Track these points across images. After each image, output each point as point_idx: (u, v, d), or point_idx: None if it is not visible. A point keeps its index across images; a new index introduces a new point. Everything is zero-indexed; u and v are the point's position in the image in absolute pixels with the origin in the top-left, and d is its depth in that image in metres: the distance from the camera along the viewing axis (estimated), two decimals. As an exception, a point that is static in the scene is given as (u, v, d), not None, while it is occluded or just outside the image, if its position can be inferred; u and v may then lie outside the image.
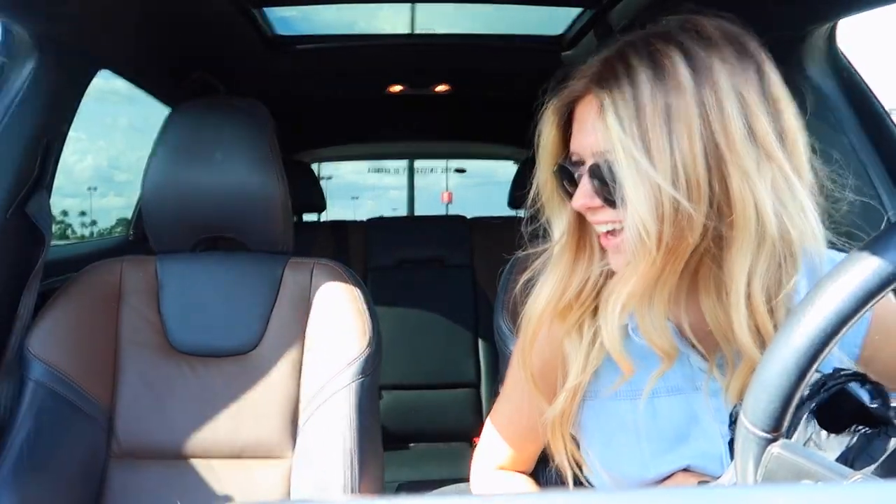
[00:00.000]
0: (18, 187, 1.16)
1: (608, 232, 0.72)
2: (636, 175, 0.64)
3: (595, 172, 0.69)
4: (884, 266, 0.46)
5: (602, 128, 0.67)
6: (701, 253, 0.68)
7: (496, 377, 2.22)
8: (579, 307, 0.77)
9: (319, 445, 1.08)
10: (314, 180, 2.64)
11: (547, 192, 0.77)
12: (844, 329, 0.47)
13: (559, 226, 0.78)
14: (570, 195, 0.74)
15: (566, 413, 0.79)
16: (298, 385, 1.16)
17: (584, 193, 0.70)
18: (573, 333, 0.78)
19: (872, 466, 0.52)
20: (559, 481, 0.87)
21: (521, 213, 2.97)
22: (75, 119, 1.31)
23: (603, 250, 0.76)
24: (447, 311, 2.31)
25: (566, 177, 0.74)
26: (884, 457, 0.52)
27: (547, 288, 0.78)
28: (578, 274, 0.77)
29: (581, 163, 0.72)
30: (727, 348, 0.71)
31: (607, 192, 0.68)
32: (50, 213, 1.21)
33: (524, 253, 0.89)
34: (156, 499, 1.12)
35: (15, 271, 1.17)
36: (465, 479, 1.00)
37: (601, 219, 0.71)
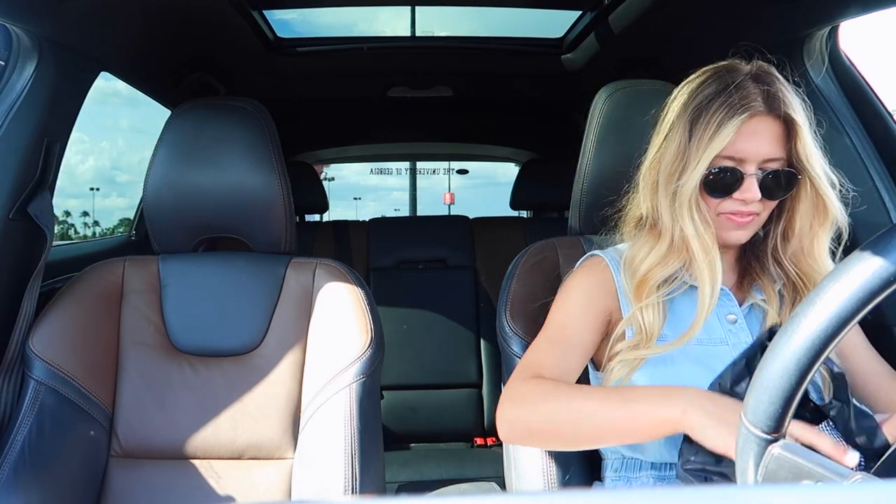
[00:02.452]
0: (21, 188, 1.16)
1: (744, 217, 0.92)
2: (824, 177, 0.91)
3: (769, 174, 0.91)
4: (885, 267, 0.46)
5: (786, 142, 0.90)
6: None
7: (498, 377, 2.22)
8: (658, 284, 0.95)
9: (320, 446, 1.08)
10: (317, 181, 2.64)
11: (691, 188, 0.92)
12: (845, 330, 0.47)
13: (690, 212, 0.93)
14: (717, 190, 0.92)
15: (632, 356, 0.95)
16: (300, 385, 1.16)
17: (754, 188, 0.90)
18: (650, 298, 0.95)
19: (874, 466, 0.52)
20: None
21: (524, 213, 2.98)
22: (77, 120, 1.31)
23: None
24: (449, 311, 2.31)
25: (727, 172, 0.91)
26: (885, 456, 0.52)
27: (653, 259, 0.97)
28: (677, 256, 0.96)
29: (739, 164, 0.91)
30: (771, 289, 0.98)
31: (772, 192, 0.92)
32: (52, 214, 1.22)
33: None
34: (156, 499, 1.12)
35: (17, 271, 1.17)
36: (466, 480, 1.00)
37: (751, 210, 0.92)
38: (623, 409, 0.82)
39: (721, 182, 0.91)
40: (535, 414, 0.88)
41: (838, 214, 0.93)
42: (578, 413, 0.84)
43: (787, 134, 0.91)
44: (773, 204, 0.94)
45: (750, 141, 0.89)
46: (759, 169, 0.91)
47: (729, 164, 0.91)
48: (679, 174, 0.92)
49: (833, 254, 0.96)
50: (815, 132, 0.91)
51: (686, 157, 0.91)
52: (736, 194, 0.91)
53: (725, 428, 0.73)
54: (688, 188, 0.91)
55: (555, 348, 0.96)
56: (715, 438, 0.74)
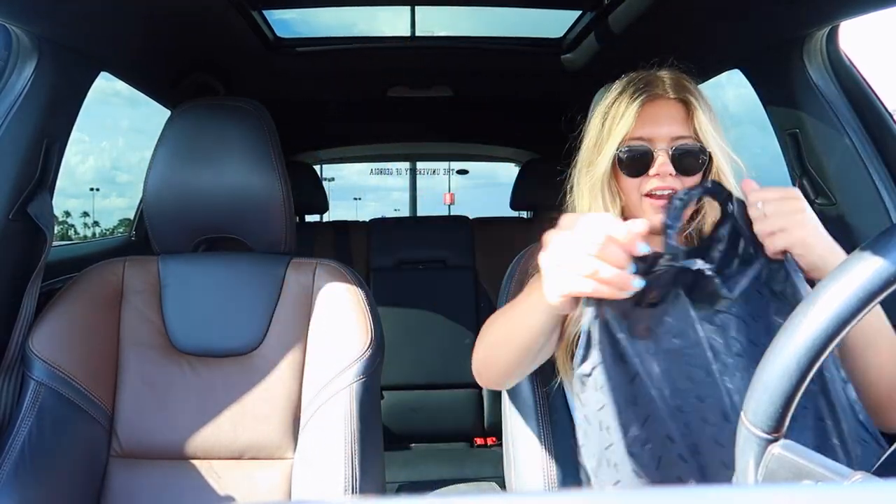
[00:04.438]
0: (20, 188, 1.16)
1: (663, 196, 0.96)
2: (721, 154, 0.95)
3: (679, 150, 0.96)
4: (885, 267, 0.46)
5: (689, 122, 0.96)
6: None
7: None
8: None
9: (320, 446, 1.08)
10: (317, 181, 2.64)
11: (602, 170, 0.98)
12: (845, 330, 0.47)
13: (603, 195, 1.00)
14: (632, 169, 0.98)
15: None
16: (300, 386, 1.16)
17: (666, 162, 0.95)
18: None
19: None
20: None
21: (524, 214, 2.97)
22: (77, 120, 1.31)
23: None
24: (449, 311, 2.31)
25: (638, 151, 0.97)
26: (885, 456, 0.52)
27: None
28: None
29: (649, 143, 0.97)
30: None
31: (684, 165, 0.96)
32: (52, 214, 1.22)
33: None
34: (156, 499, 1.12)
35: (17, 271, 1.17)
36: (466, 480, 1.00)
37: (666, 185, 0.95)
38: (522, 299, 0.92)
39: (634, 160, 0.98)
40: (482, 343, 1.01)
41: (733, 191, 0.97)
42: (501, 320, 0.96)
43: (689, 116, 0.98)
44: (692, 181, 0.97)
45: (655, 122, 0.97)
46: (671, 147, 0.97)
47: (639, 143, 0.98)
48: (594, 164, 1.00)
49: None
50: (713, 119, 0.98)
51: (599, 144, 1.00)
52: (651, 171, 0.97)
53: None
54: (600, 169, 0.98)
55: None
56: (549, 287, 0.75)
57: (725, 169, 0.96)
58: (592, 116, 1.04)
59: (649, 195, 0.98)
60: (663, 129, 0.97)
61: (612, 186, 1.00)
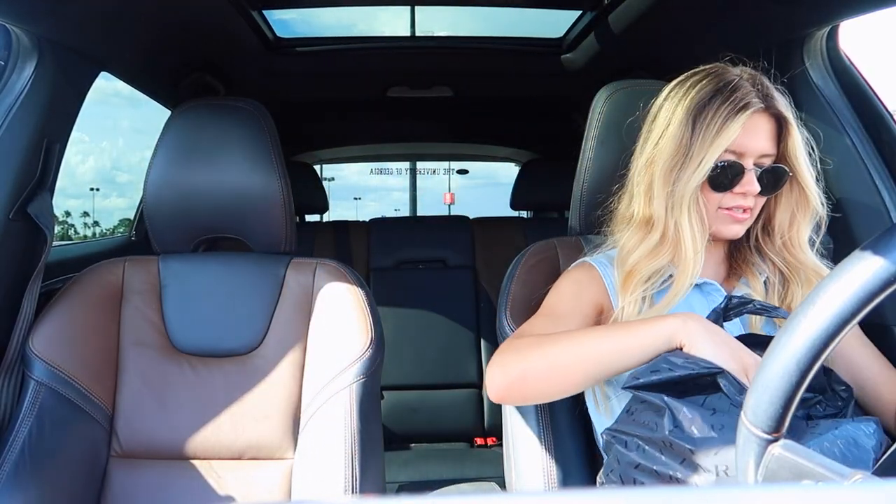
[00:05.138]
0: (20, 188, 1.16)
1: (743, 211, 0.96)
2: (808, 174, 0.95)
3: (767, 171, 0.95)
4: (885, 267, 0.46)
5: (776, 138, 0.95)
6: None
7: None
8: (646, 277, 0.97)
9: (321, 446, 1.08)
10: (317, 181, 2.64)
11: (696, 184, 0.93)
12: (845, 330, 0.47)
13: (689, 207, 0.94)
14: (720, 184, 0.94)
15: None
16: (300, 385, 1.16)
17: (754, 181, 0.94)
18: (635, 293, 0.96)
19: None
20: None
21: (524, 213, 2.98)
22: (77, 120, 1.31)
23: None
24: (449, 311, 2.31)
25: (730, 166, 0.94)
26: (885, 456, 0.52)
27: (642, 252, 0.98)
28: (667, 249, 0.97)
29: (740, 158, 0.94)
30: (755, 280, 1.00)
31: (767, 187, 0.95)
32: (52, 214, 1.22)
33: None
34: (156, 499, 1.12)
35: (17, 271, 1.17)
36: (466, 480, 1.00)
37: (747, 204, 0.95)
38: (620, 331, 0.85)
39: (724, 176, 0.94)
40: (529, 358, 0.88)
41: (818, 206, 0.97)
42: (575, 346, 0.86)
43: (779, 131, 0.95)
44: (763, 200, 0.98)
45: (749, 136, 0.93)
46: (756, 165, 0.94)
47: (731, 157, 0.94)
48: (679, 169, 0.94)
49: (812, 243, 1.00)
50: (802, 136, 0.95)
51: (689, 152, 0.93)
52: (737, 188, 0.94)
53: (719, 343, 0.80)
54: (693, 183, 0.93)
55: (545, 320, 0.97)
56: (706, 349, 0.79)
57: (813, 188, 0.96)
58: (671, 115, 0.96)
59: (729, 209, 0.96)
60: (754, 143, 0.93)
61: (699, 200, 0.95)
